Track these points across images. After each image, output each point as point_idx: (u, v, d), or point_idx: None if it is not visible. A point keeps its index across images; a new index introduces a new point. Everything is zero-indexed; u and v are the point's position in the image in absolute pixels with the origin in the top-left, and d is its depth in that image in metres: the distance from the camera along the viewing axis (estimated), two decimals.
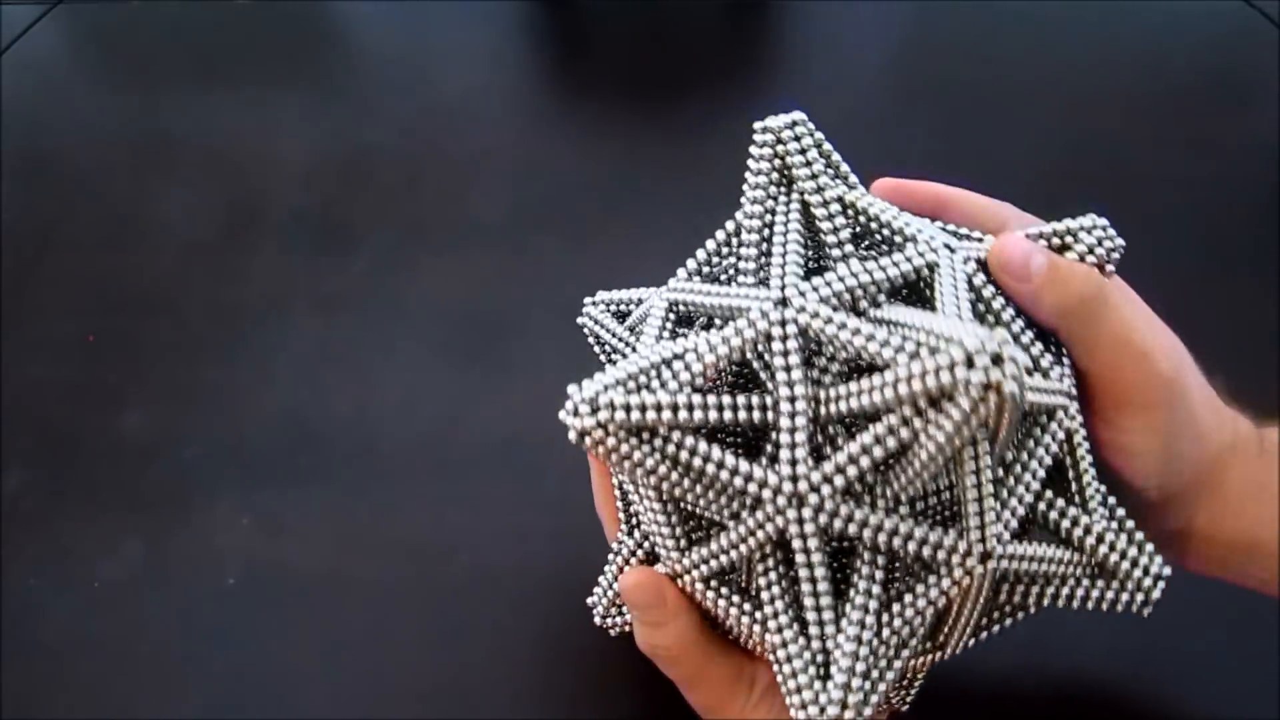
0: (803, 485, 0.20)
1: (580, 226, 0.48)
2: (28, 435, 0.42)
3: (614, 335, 0.28)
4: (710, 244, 0.25)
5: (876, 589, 0.22)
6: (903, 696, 0.27)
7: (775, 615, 0.22)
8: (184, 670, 0.35)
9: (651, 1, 0.61)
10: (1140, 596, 0.23)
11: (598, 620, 0.28)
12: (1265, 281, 0.43)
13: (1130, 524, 0.24)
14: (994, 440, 0.21)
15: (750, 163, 0.24)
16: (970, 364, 0.17)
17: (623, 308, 0.29)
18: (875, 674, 0.22)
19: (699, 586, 0.24)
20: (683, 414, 0.20)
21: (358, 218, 0.50)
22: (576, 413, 0.20)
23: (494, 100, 0.56)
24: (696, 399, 0.21)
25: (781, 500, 0.21)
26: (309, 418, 0.42)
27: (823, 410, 0.21)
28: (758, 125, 0.23)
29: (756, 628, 0.23)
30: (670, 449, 0.21)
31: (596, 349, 0.29)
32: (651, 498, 0.23)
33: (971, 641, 0.25)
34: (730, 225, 0.25)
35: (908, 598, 0.22)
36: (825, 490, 0.20)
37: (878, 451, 0.20)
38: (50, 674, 0.35)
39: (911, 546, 0.21)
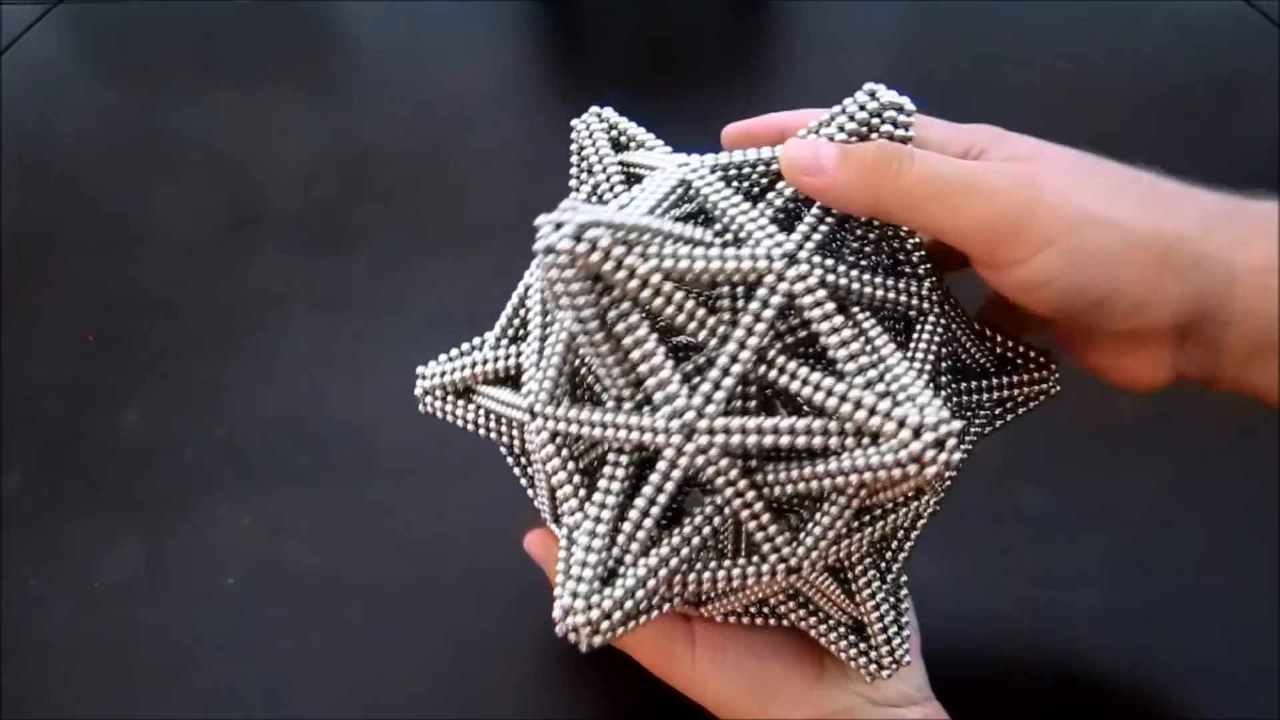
0: (703, 423, 0.21)
1: None
2: (28, 435, 0.42)
3: (600, 159, 0.27)
4: (752, 153, 0.25)
5: (615, 485, 0.22)
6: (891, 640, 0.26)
7: (601, 507, 0.22)
8: (184, 670, 0.35)
9: (651, 1, 0.61)
10: (873, 666, 0.25)
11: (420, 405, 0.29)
12: None
13: (905, 606, 0.26)
14: (873, 493, 0.22)
15: (554, 286, 0.21)
16: (919, 433, 0.19)
17: (625, 138, 0.28)
18: (643, 607, 0.22)
19: (544, 436, 0.24)
20: (646, 293, 0.21)
21: (358, 218, 0.50)
22: (559, 228, 0.19)
23: (494, 100, 0.56)
24: (666, 286, 0.21)
25: (676, 424, 0.21)
26: (309, 418, 0.42)
27: (761, 371, 0.22)
28: (539, 247, 0.20)
29: (573, 503, 0.23)
30: (613, 314, 0.21)
31: (574, 160, 0.29)
32: (562, 340, 0.23)
33: (718, 616, 0.26)
34: (563, 338, 0.24)
35: (714, 564, 0.23)
36: (719, 440, 0.21)
37: (784, 440, 0.20)
38: (50, 674, 0.35)
39: (751, 525, 0.22)
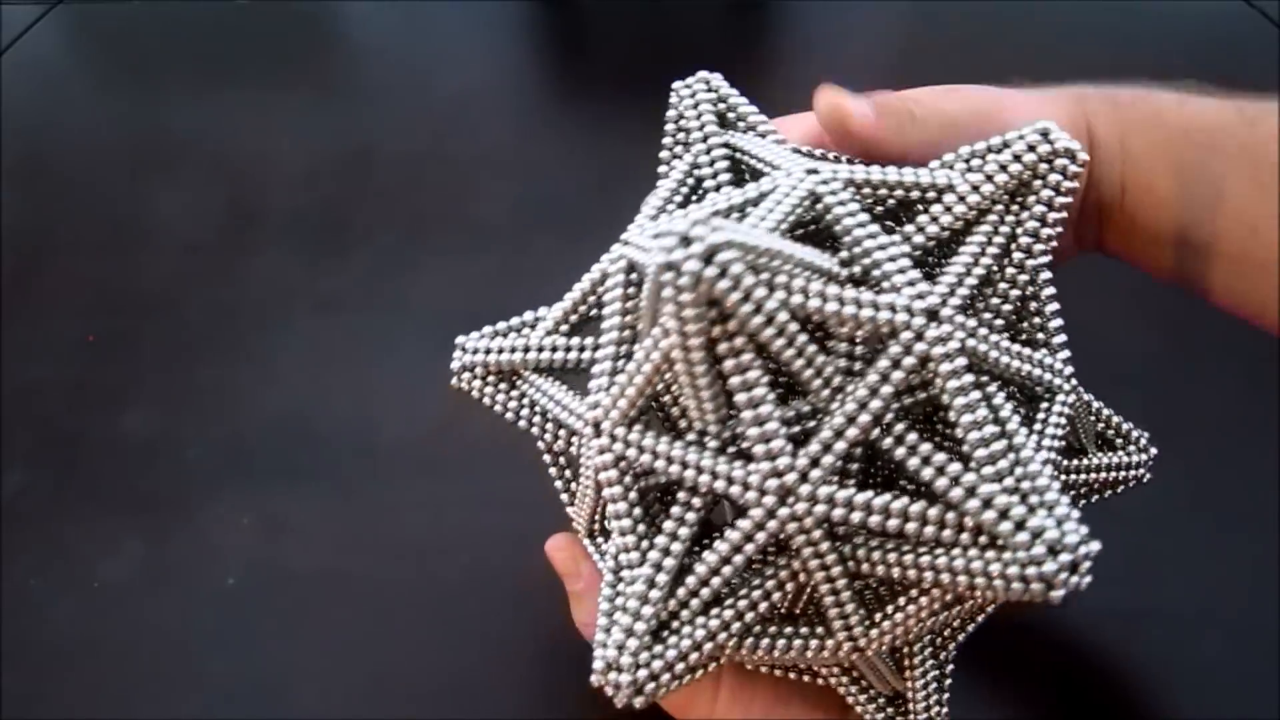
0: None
1: (580, 226, 0.48)
2: (28, 435, 0.42)
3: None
4: (662, 191, 0.25)
5: (684, 531, 0.20)
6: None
7: (665, 550, 0.20)
8: (184, 670, 0.35)
9: (651, 1, 0.62)
10: (1034, 573, 0.17)
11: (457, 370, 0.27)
12: None
13: (1045, 483, 0.18)
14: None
15: (688, 113, 0.24)
16: (1048, 140, 0.19)
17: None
18: (675, 627, 0.20)
19: (609, 457, 0.21)
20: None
21: (358, 218, 0.50)
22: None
23: (494, 100, 0.56)
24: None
25: (919, 321, 0.19)
26: (309, 418, 0.42)
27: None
28: (677, 83, 0.24)
29: (629, 539, 0.21)
30: (724, 348, 0.18)
31: (669, 129, 0.25)
32: (654, 359, 0.19)
33: (880, 633, 0.21)
34: (679, 172, 0.24)
35: (715, 545, 0.20)
36: (954, 302, 0.19)
37: (985, 260, 0.20)
38: (50, 674, 0.35)
39: (1024, 367, 0.20)
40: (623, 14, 0.61)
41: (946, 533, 0.18)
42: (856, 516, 0.18)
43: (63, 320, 0.46)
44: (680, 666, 0.19)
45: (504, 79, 0.58)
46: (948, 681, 0.24)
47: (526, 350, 0.24)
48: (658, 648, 0.19)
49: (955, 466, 0.18)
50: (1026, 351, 0.21)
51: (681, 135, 0.24)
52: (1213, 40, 0.56)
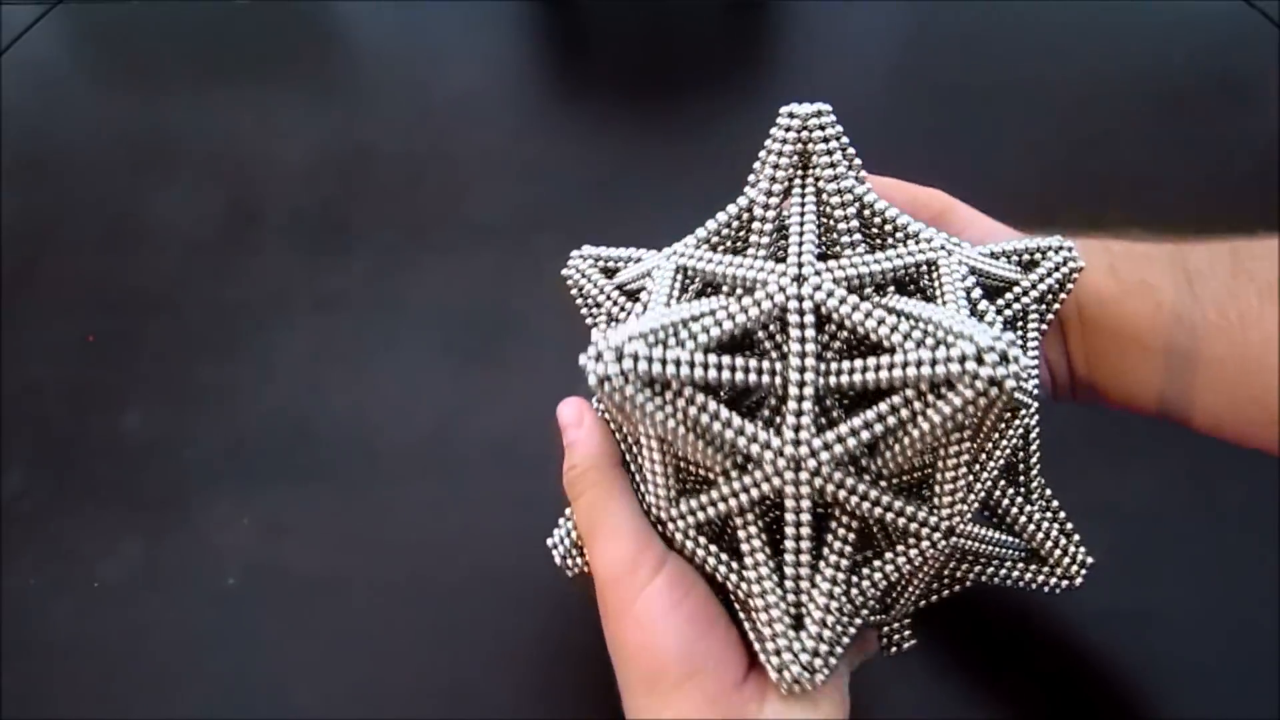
0: (803, 450, 0.22)
1: (580, 226, 0.48)
2: (28, 435, 0.42)
3: (600, 290, 0.29)
4: (722, 216, 0.26)
5: (849, 550, 0.23)
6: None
7: (756, 566, 0.23)
8: (184, 670, 0.35)
9: (651, 1, 0.62)
10: (1065, 582, 0.27)
11: (557, 560, 0.28)
12: None
13: (1063, 515, 0.27)
14: (978, 431, 0.23)
15: (771, 144, 0.24)
16: (980, 360, 0.19)
17: (611, 264, 0.29)
18: (840, 630, 0.23)
19: (680, 536, 0.24)
20: (698, 371, 0.22)
21: (358, 218, 0.50)
22: (600, 358, 0.21)
23: (494, 100, 0.56)
24: (712, 359, 0.22)
25: (782, 463, 0.22)
26: (309, 418, 0.42)
27: (832, 380, 0.22)
28: (784, 110, 0.24)
29: (733, 577, 0.24)
30: (681, 404, 0.22)
31: (579, 301, 0.29)
32: (653, 448, 0.24)
33: (912, 608, 0.27)
34: (743, 201, 0.25)
35: (876, 563, 0.24)
36: (824, 457, 0.22)
37: (877, 428, 0.21)
38: (50, 674, 0.35)
39: (889, 516, 0.23)
40: (623, 14, 0.61)
41: (916, 405, 0.21)
42: (852, 443, 0.22)
43: (63, 320, 0.46)
44: (656, 368, 0.21)
45: (504, 79, 0.58)
46: (856, 624, 0.25)
47: (693, 366, 0.22)
48: (803, 634, 0.23)
49: (886, 359, 0.21)
50: (897, 504, 0.23)
51: (589, 302, 0.29)
52: (1213, 40, 0.56)
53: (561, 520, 0.28)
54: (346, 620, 0.36)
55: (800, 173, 0.25)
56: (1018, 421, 0.25)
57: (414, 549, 0.37)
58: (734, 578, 0.24)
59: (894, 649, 0.28)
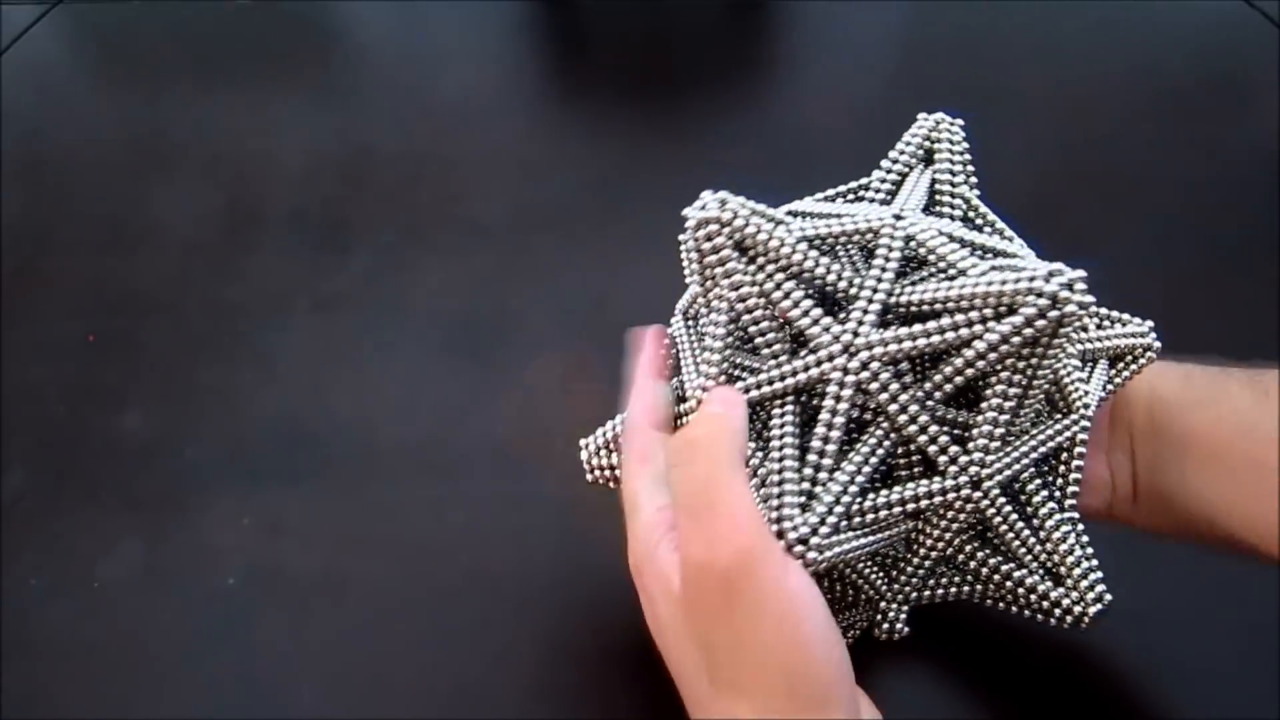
0: (860, 340, 0.23)
1: (580, 226, 0.48)
2: (28, 435, 0.42)
3: (777, 240, 0.27)
4: (917, 194, 0.28)
5: (875, 459, 0.24)
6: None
7: (781, 447, 0.24)
8: (184, 670, 0.35)
9: (651, 1, 0.62)
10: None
11: (584, 458, 0.28)
12: (1265, 281, 0.43)
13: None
14: (1027, 368, 0.23)
15: (906, 135, 0.28)
16: (1047, 279, 0.21)
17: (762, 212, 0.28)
18: (846, 526, 0.24)
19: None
20: (786, 248, 0.23)
21: (357, 218, 0.50)
22: (705, 205, 0.23)
23: (494, 100, 0.56)
24: (801, 246, 0.23)
25: (837, 348, 0.23)
26: (309, 418, 0.42)
27: (899, 298, 0.24)
28: (922, 115, 0.28)
29: (757, 456, 0.24)
30: (761, 276, 0.23)
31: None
32: (719, 322, 0.24)
33: (913, 594, 0.27)
34: (864, 180, 0.29)
35: (898, 486, 0.24)
36: (877, 351, 0.23)
37: (935, 339, 0.22)
38: (50, 674, 0.35)
39: (923, 439, 0.24)
40: (623, 14, 0.61)
41: (977, 328, 0.22)
42: (907, 345, 0.23)
43: (63, 320, 0.46)
44: (831, 519, 0.23)
45: (504, 79, 0.58)
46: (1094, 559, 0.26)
47: (783, 243, 0.24)
48: (808, 514, 0.23)
49: (958, 282, 0.22)
50: (932, 427, 0.24)
51: (896, 150, 0.29)
52: (1213, 40, 0.56)
53: (609, 424, 0.28)
54: (346, 620, 0.36)
55: (922, 165, 0.28)
56: (1069, 420, 0.25)
57: (414, 549, 0.37)
58: (759, 455, 0.24)
59: (888, 634, 0.27)
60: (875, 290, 0.24)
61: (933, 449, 0.24)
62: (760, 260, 0.24)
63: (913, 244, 0.24)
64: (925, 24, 0.59)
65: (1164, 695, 0.32)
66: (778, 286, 0.23)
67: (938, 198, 0.27)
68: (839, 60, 0.58)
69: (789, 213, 0.26)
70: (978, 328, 0.22)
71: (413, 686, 0.34)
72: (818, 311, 0.23)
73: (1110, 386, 0.27)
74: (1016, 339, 0.21)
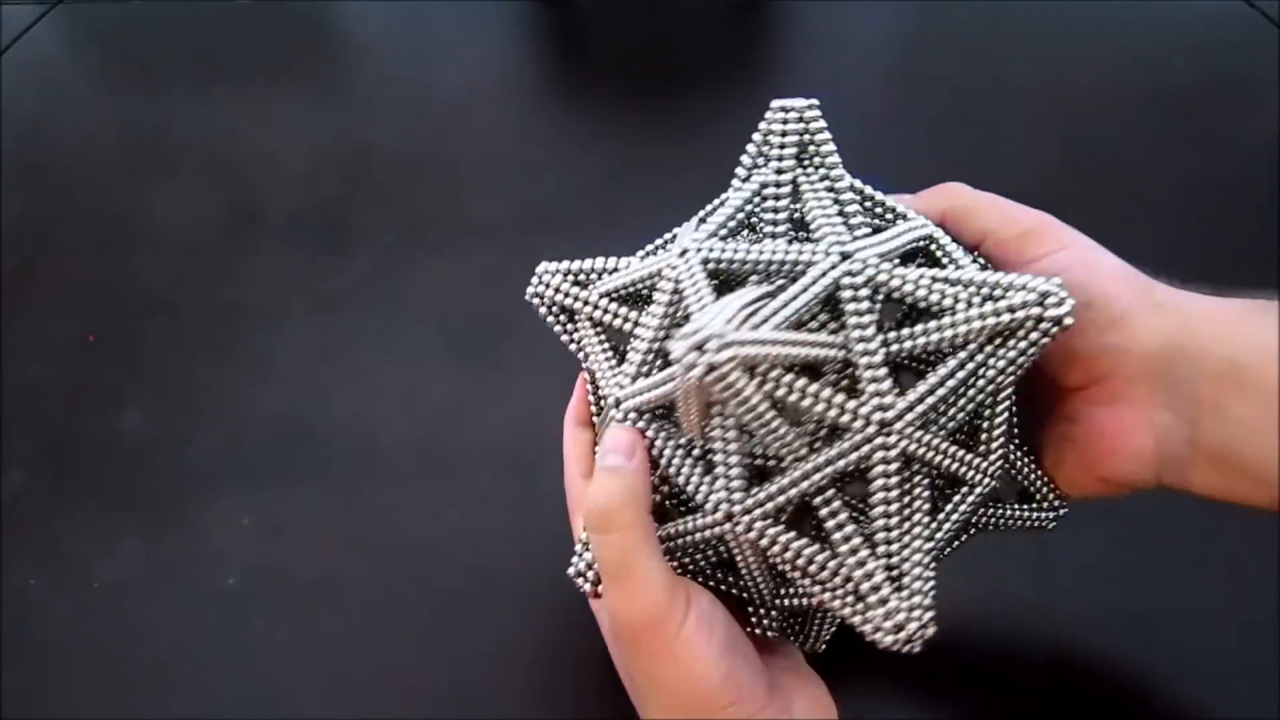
0: (891, 414, 0.23)
1: (580, 226, 0.48)
2: (28, 435, 0.42)
3: (582, 301, 0.28)
4: (726, 210, 0.26)
5: (844, 517, 0.24)
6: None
7: (848, 540, 0.24)
8: (184, 670, 0.35)
9: (651, 1, 0.62)
10: (1050, 515, 0.29)
11: (588, 589, 0.27)
12: (1265, 281, 0.43)
13: (994, 278, 0.24)
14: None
15: (771, 136, 0.25)
16: (1042, 303, 0.22)
17: (581, 277, 0.29)
18: (900, 572, 0.24)
19: (759, 527, 0.24)
20: (787, 350, 0.22)
21: (357, 218, 0.50)
22: (703, 348, 0.21)
23: (494, 100, 0.56)
24: (793, 336, 0.23)
25: (872, 429, 0.23)
26: (309, 418, 0.42)
27: (893, 349, 0.23)
28: (777, 103, 0.25)
29: (819, 559, 0.24)
30: (769, 386, 0.23)
31: (552, 318, 0.29)
32: (729, 439, 0.24)
33: (994, 456, 0.27)
34: (745, 193, 0.26)
35: (948, 508, 0.25)
36: (910, 418, 0.23)
37: (951, 383, 0.23)
38: (50, 674, 0.35)
39: (956, 467, 0.25)
40: (623, 14, 0.61)
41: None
42: (931, 400, 0.23)
43: (63, 320, 0.46)
44: (925, 587, 0.24)
45: (504, 79, 0.58)
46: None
47: (781, 346, 0.24)
48: (905, 591, 0.24)
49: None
50: (960, 453, 0.25)
51: (760, 159, 0.27)
52: (1213, 40, 0.56)
53: (579, 548, 0.27)
54: (346, 620, 0.36)
55: (803, 162, 0.26)
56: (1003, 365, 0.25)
57: (413, 549, 0.37)
58: (819, 559, 0.24)
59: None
60: (874, 353, 0.23)
61: (966, 470, 0.25)
62: (763, 369, 0.23)
63: (876, 285, 0.23)
64: (925, 24, 0.59)
65: (1164, 695, 0.32)
66: (789, 387, 0.23)
67: (837, 195, 0.25)
68: (839, 60, 0.58)
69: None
70: (980, 357, 0.23)
71: (413, 686, 0.34)
72: (840, 397, 0.23)
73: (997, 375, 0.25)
74: (1023, 359, 0.23)
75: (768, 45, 0.60)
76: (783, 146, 0.25)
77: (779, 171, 0.25)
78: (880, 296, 0.24)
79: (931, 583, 0.24)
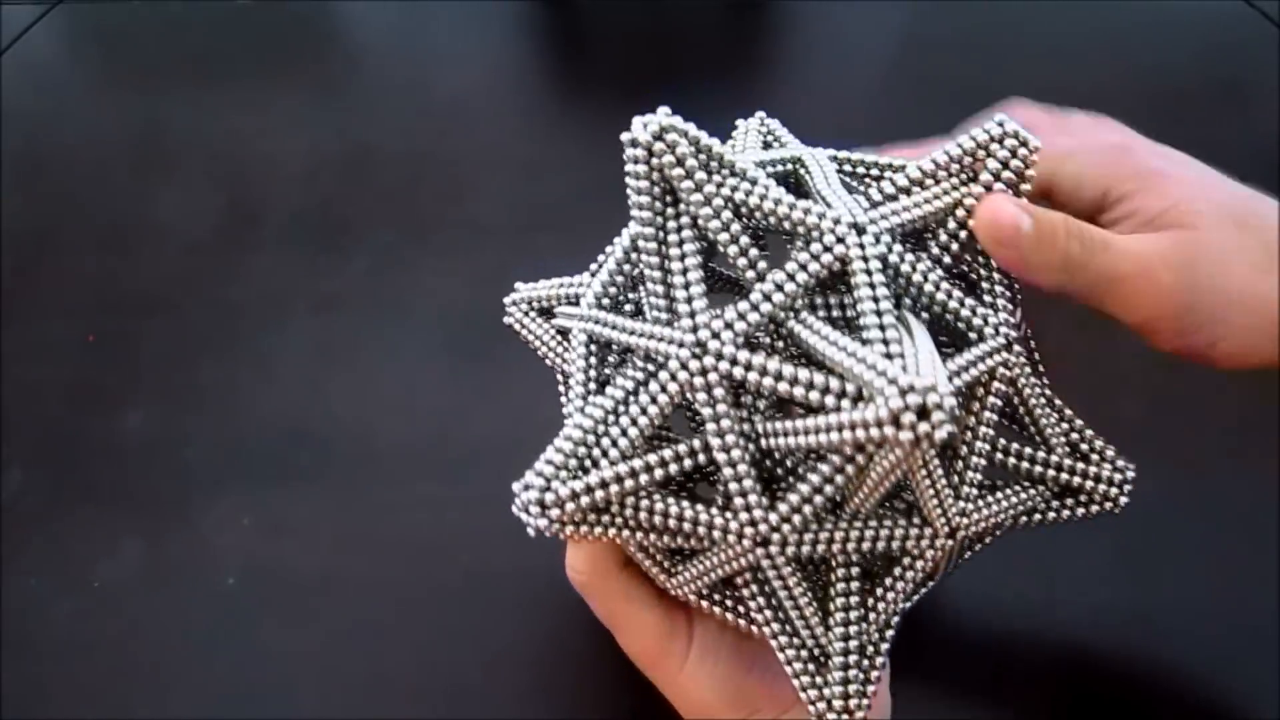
0: (763, 528, 0.21)
1: (580, 226, 0.48)
2: (28, 435, 0.42)
3: (540, 336, 0.29)
4: (610, 266, 0.24)
5: (855, 585, 0.23)
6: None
7: (766, 623, 0.23)
8: (184, 670, 0.35)
9: (651, 1, 0.61)
10: (1109, 505, 0.26)
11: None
12: None
13: (1093, 440, 0.24)
14: (941, 453, 0.22)
15: (629, 180, 0.21)
16: (897, 424, 0.17)
17: (545, 303, 0.29)
18: (867, 656, 0.23)
19: (693, 599, 0.25)
20: (629, 482, 0.21)
21: (358, 218, 0.50)
22: (529, 511, 0.21)
23: (494, 100, 0.56)
24: (638, 464, 0.21)
25: (747, 543, 0.21)
26: (309, 418, 0.42)
27: (762, 443, 0.21)
28: (625, 138, 0.21)
29: (754, 629, 0.24)
30: (628, 514, 0.21)
31: (529, 344, 0.29)
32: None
33: (786, 531, 0.23)
34: (625, 240, 0.24)
35: (888, 581, 0.23)
36: (786, 529, 0.21)
37: (828, 489, 0.20)
38: (50, 674, 0.35)
39: (880, 546, 0.22)
40: (623, 14, 0.61)
41: (829, 400, 0.19)
42: (753, 377, 0.20)
43: (63, 320, 0.46)
44: (587, 500, 0.21)
45: (504, 79, 0.58)
46: (882, 662, 0.23)
47: (620, 480, 0.22)
48: (577, 482, 0.21)
49: (851, 342, 0.19)
50: (956, 293, 0.22)
51: (660, 188, 0.22)
52: (1213, 40, 0.56)
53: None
54: (346, 620, 0.36)
55: (670, 200, 0.21)
56: (995, 384, 0.23)
57: (414, 549, 0.37)
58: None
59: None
60: (733, 462, 0.21)
61: (896, 545, 0.23)
62: (615, 508, 0.22)
63: (734, 380, 0.21)
64: (925, 24, 0.59)
65: (1164, 695, 0.32)
66: (650, 513, 0.22)
67: (712, 236, 0.21)
68: (839, 60, 0.58)
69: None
70: (859, 459, 0.20)
71: (412, 686, 0.34)
72: (704, 515, 0.21)
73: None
74: (902, 466, 0.19)
75: (768, 45, 0.60)
76: (640, 193, 0.21)
77: (642, 224, 0.21)
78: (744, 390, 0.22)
79: (857, 666, 0.23)
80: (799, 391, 0.19)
